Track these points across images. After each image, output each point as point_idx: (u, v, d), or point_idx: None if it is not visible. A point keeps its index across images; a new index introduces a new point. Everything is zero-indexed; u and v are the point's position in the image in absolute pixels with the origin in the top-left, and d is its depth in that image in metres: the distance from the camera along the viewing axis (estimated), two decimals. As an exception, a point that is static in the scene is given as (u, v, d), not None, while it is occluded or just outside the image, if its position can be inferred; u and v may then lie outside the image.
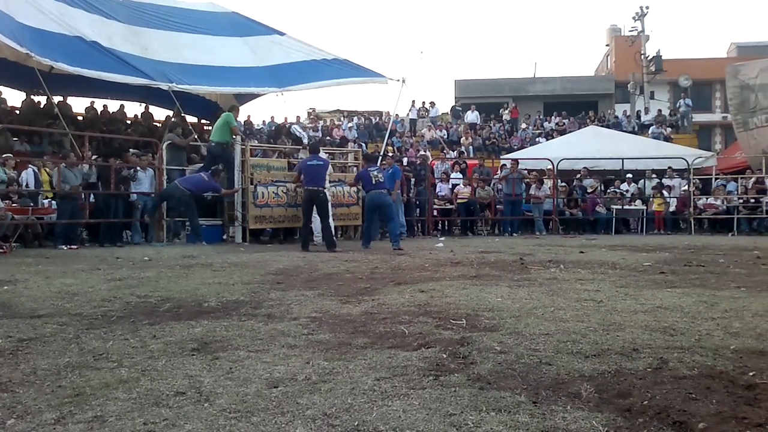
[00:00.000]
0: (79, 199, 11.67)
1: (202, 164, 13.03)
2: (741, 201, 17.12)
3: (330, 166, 12.17)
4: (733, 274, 7.01)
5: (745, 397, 2.73)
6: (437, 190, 17.31)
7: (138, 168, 12.21)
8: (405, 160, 18.80)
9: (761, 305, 4.89)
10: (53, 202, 11.62)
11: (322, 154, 11.87)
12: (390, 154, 16.65)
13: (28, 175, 11.42)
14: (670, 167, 18.04)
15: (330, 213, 11.75)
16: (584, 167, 18.24)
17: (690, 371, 3.10)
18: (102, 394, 2.82)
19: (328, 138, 24.06)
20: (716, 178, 18.56)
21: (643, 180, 18.28)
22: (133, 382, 2.99)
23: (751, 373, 3.04)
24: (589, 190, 18.00)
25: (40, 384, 2.98)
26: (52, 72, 13.86)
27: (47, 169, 11.78)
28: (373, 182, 11.29)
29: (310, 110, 32.87)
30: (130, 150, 13.10)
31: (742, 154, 20.52)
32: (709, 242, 12.50)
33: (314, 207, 11.02)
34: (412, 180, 16.28)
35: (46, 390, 2.89)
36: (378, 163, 13.82)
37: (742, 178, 18.22)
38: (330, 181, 13.11)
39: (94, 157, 12.52)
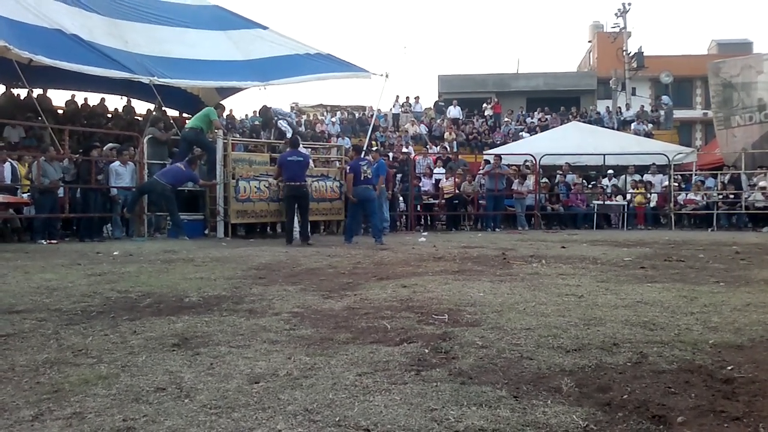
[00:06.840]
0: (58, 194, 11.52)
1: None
2: (720, 197, 17.30)
3: (311, 161, 12.17)
4: (713, 269, 7.08)
5: (723, 391, 2.76)
6: (420, 185, 17.31)
7: (118, 162, 12.08)
8: (390, 155, 18.78)
9: (740, 300, 4.94)
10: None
11: (303, 150, 11.88)
12: (375, 148, 16.59)
13: (5, 169, 11.25)
14: (654, 163, 18.18)
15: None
16: (566, 162, 18.34)
17: (669, 365, 3.13)
18: (81, 390, 2.79)
19: (309, 130, 23.96)
20: (696, 174, 18.75)
21: (624, 175, 18.41)
22: (112, 378, 2.97)
23: (729, 368, 3.07)
24: (572, 186, 18.08)
25: (18, 380, 2.94)
26: (31, 65, 13.69)
27: (26, 163, 11.62)
28: (362, 177, 11.31)
29: (293, 104, 32.74)
30: (110, 144, 12.97)
31: (720, 150, 20.75)
32: (689, 237, 12.63)
33: (297, 202, 11.09)
34: (399, 176, 16.26)
35: (24, 386, 2.86)
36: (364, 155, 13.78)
37: (721, 174, 18.42)
38: (312, 176, 13.06)
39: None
